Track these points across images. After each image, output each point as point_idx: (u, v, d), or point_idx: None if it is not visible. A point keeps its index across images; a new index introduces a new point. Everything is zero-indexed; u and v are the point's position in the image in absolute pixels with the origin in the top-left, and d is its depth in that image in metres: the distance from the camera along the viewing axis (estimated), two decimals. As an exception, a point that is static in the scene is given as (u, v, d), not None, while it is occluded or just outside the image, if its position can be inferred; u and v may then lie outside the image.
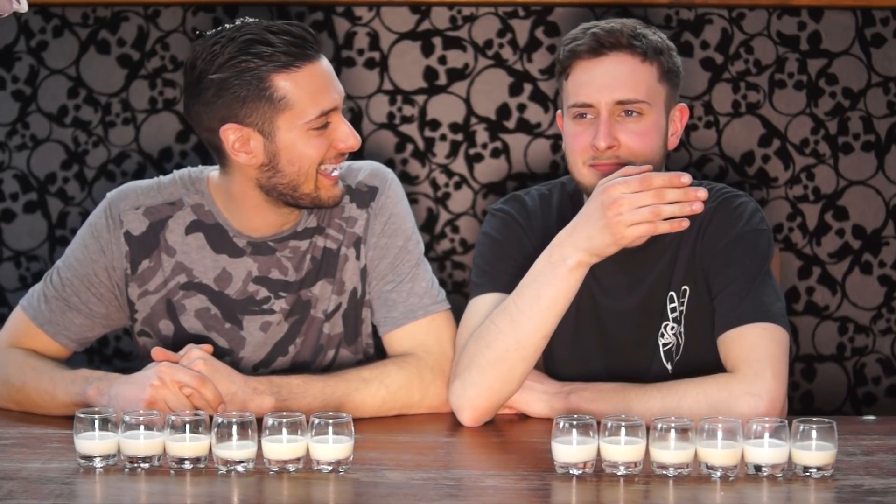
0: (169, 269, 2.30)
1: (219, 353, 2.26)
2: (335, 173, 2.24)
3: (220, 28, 2.20)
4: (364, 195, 2.34)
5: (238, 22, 2.20)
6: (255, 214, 2.28)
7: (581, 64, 2.21)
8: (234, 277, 2.30)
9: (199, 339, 2.29)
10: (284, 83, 2.16)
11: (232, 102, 2.16)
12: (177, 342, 2.28)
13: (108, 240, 2.30)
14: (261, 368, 2.32)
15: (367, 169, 2.37)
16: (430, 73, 3.60)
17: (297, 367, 2.32)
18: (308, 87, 2.17)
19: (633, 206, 2.05)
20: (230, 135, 2.19)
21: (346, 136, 2.21)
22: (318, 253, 2.32)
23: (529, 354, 2.15)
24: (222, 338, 2.31)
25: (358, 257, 2.34)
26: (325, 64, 2.20)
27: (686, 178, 2.05)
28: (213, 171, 2.33)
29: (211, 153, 2.28)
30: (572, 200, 2.34)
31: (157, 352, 2.13)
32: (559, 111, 2.30)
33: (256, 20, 2.20)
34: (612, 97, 2.18)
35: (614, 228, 2.06)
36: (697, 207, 2.05)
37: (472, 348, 2.17)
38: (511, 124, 3.61)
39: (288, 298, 2.31)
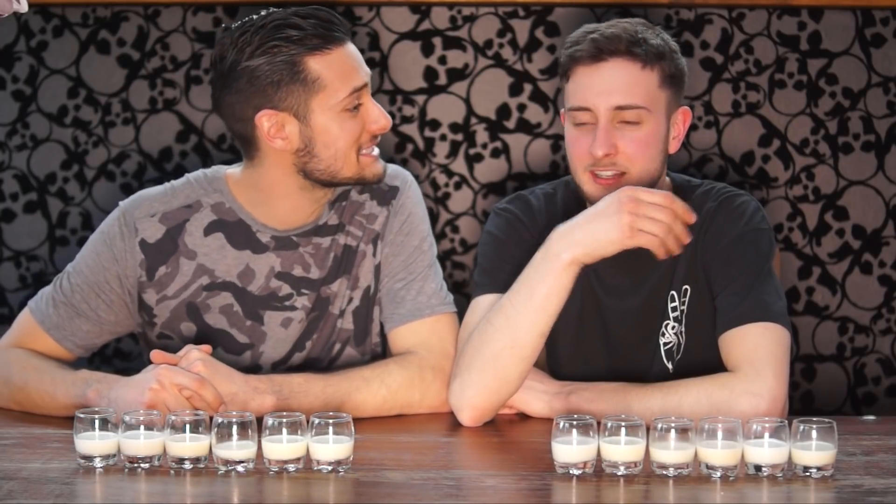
0: (190, 273, 2.29)
1: (239, 349, 2.26)
2: (375, 152, 2.27)
3: (245, 20, 2.21)
4: (385, 193, 2.36)
5: (262, 12, 2.21)
6: (285, 204, 2.29)
7: (581, 69, 2.21)
8: (258, 273, 2.30)
9: (222, 336, 2.29)
10: (317, 65, 2.18)
11: (266, 88, 2.18)
12: (199, 341, 2.28)
13: (122, 248, 2.29)
14: (280, 366, 2.32)
15: (388, 170, 2.38)
16: (430, 73, 3.60)
17: (308, 363, 2.32)
18: (340, 68, 2.19)
19: (651, 213, 2.07)
20: (265, 121, 2.20)
21: (378, 117, 2.24)
22: (339, 251, 2.33)
23: (526, 353, 2.14)
24: (243, 334, 2.31)
25: (374, 254, 2.34)
26: (353, 47, 2.23)
27: (694, 218, 2.12)
28: (229, 169, 2.34)
29: (239, 145, 2.28)
30: (577, 198, 2.33)
31: (156, 354, 2.13)
32: (562, 110, 2.30)
33: (281, 9, 2.21)
34: (610, 103, 2.18)
35: (625, 225, 2.07)
36: (677, 251, 2.12)
37: (471, 348, 2.17)
38: (511, 124, 3.60)
39: (310, 296, 2.32)
